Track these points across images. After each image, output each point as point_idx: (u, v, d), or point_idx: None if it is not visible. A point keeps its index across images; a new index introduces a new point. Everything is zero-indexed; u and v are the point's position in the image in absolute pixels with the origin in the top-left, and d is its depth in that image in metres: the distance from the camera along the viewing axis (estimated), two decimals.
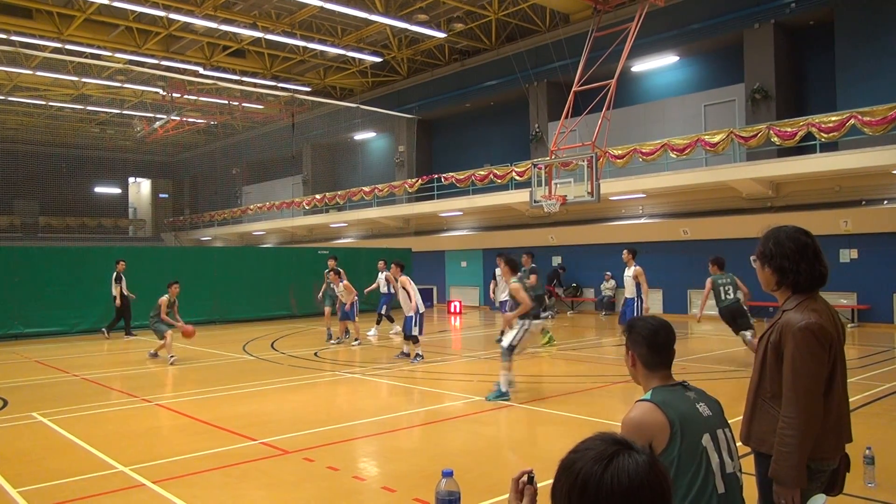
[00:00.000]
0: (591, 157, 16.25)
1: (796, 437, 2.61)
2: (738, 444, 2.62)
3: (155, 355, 12.92)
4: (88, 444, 6.62)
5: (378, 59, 27.36)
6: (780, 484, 2.66)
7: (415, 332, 11.95)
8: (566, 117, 17.49)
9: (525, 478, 1.76)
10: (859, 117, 15.43)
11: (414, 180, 27.56)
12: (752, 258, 3.04)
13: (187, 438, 6.90)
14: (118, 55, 25.41)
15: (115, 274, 16.77)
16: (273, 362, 12.37)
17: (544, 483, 1.44)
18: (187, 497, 5.07)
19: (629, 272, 12.88)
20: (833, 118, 16.00)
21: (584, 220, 22.33)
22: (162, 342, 12.58)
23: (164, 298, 12.74)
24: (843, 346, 2.85)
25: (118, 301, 16.72)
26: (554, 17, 23.05)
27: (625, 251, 13.17)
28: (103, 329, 16.84)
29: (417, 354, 12.04)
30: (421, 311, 12.06)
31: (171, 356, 12.45)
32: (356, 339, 14.76)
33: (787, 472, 2.63)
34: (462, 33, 25.06)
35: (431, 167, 30.16)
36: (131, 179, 48.30)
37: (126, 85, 29.27)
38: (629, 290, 12.84)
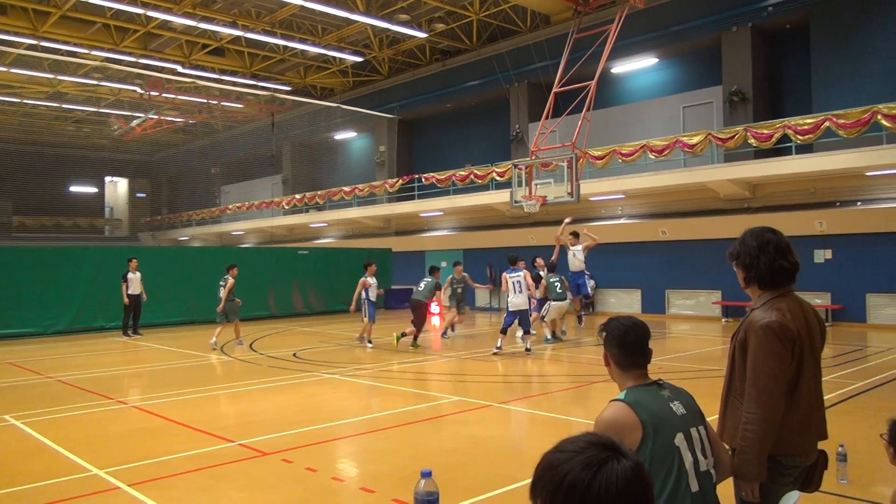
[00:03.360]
0: (571, 157, 16.32)
1: (756, 432, 2.68)
2: None
3: (241, 343, 14.50)
4: (62, 447, 6.53)
5: (359, 59, 27.29)
6: (740, 477, 2.73)
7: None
8: (546, 118, 17.56)
9: None
10: (834, 120, 15.67)
11: (394, 180, 27.52)
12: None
13: (164, 440, 6.82)
14: (95, 52, 25.08)
15: (125, 272, 16.68)
16: (252, 363, 12.28)
17: (522, 483, 1.43)
18: (164, 500, 5.02)
19: (579, 248, 15.12)
20: (808, 120, 16.23)
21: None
22: (221, 328, 14.22)
23: (232, 281, 14.17)
24: (819, 344, 2.90)
25: (125, 299, 16.59)
26: (535, 18, 23.15)
27: (570, 234, 15.37)
28: (128, 333, 16.83)
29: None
30: (508, 308, 12.95)
31: (215, 340, 14.08)
32: (369, 341, 14.35)
33: (746, 466, 2.70)
34: (443, 33, 25.07)
35: (412, 167, 30.14)
36: (108, 178, 47.68)
37: (103, 83, 28.91)
38: (579, 266, 15.05)
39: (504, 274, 13.02)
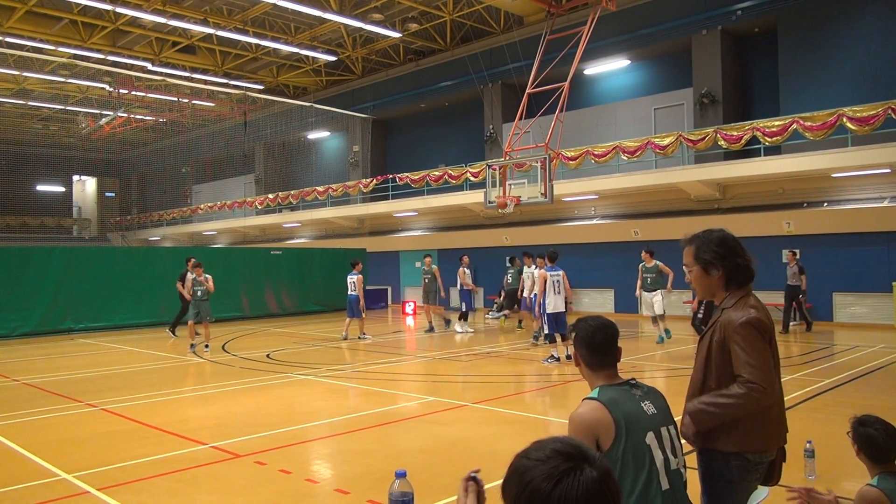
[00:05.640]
0: (545, 158, 16.42)
1: (743, 406, 2.69)
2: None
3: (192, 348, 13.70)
4: (30, 451, 6.40)
5: (332, 58, 27.15)
6: (697, 425, 2.79)
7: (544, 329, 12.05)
8: (520, 119, 17.65)
9: (470, 475, 1.78)
10: (801, 122, 15.97)
11: (368, 180, 27.43)
12: (684, 267, 3.09)
13: (134, 443, 6.72)
14: (62, 49, 24.61)
15: (183, 271, 16.26)
16: (224, 364, 12.15)
17: (496, 482, 1.45)
18: None
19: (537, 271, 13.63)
20: (776, 123, 16.52)
21: (538, 220, 22.56)
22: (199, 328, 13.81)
23: (190, 276, 14.05)
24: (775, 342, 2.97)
25: (188, 297, 16.11)
26: (508, 19, 23.24)
27: (526, 255, 15.19)
28: (168, 329, 16.74)
29: (552, 356, 11.70)
30: (546, 311, 11.84)
31: (193, 344, 13.62)
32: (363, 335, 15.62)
33: (709, 419, 2.75)
34: (417, 33, 25.05)
35: (386, 167, 30.07)
36: (76, 177, 46.82)
37: (70, 80, 28.36)
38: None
39: (543, 272, 12.05)
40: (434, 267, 17.03)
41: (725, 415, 2.71)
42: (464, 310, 17.15)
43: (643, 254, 14.23)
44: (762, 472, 2.88)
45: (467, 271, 17.30)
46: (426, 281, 16.90)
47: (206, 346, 13.70)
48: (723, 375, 2.81)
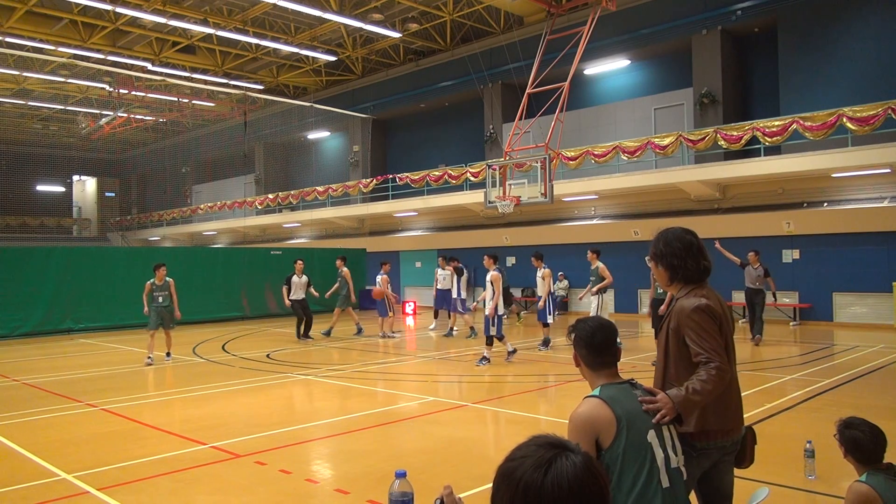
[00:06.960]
0: (545, 158, 16.42)
1: (709, 392, 2.72)
2: None
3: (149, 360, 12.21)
4: (30, 451, 6.40)
5: (332, 58, 27.15)
6: (675, 409, 2.66)
7: (492, 332, 11.46)
8: (520, 118, 17.65)
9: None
10: (801, 122, 15.98)
11: (368, 180, 27.44)
12: (647, 259, 3.22)
13: (134, 443, 6.72)
14: (62, 49, 24.61)
15: (289, 274, 15.80)
16: (224, 364, 12.15)
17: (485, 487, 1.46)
18: None
19: (541, 273, 13.32)
20: (776, 123, 16.53)
21: (538, 220, 22.56)
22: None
23: (148, 283, 12.29)
24: (733, 332, 3.04)
25: (288, 302, 15.74)
26: (508, 19, 23.24)
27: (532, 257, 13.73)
28: (304, 335, 15.70)
29: (484, 357, 11.44)
30: (500, 313, 11.56)
31: (150, 357, 12.12)
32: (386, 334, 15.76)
33: (686, 410, 2.71)
34: (417, 33, 25.05)
35: (386, 167, 30.08)
36: (76, 177, 46.85)
37: (70, 80, 28.37)
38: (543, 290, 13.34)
39: (497, 273, 11.79)
40: (344, 270, 16.37)
41: (703, 400, 2.74)
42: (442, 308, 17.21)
43: (588, 254, 12.98)
44: (713, 459, 2.92)
45: (440, 271, 16.58)
46: (338, 284, 16.42)
47: (168, 354, 12.58)
48: (679, 360, 2.90)
